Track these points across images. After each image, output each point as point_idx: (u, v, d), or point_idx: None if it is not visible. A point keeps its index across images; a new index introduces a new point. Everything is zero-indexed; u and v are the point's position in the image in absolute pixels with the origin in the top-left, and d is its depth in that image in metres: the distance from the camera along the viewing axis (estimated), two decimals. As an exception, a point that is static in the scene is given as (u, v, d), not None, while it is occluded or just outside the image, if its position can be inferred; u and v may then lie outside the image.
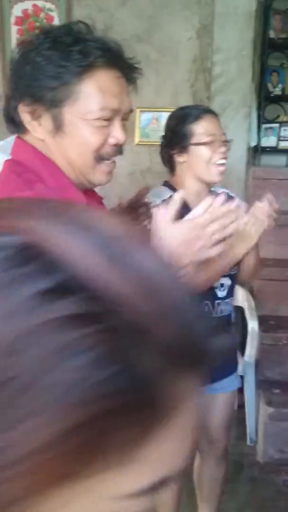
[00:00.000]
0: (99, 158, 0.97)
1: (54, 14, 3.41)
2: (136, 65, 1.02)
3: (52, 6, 3.36)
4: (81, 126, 0.93)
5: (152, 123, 3.66)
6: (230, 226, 0.93)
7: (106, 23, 3.56)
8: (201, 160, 1.55)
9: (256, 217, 1.54)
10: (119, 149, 1.00)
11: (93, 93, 0.92)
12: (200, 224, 0.92)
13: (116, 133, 0.97)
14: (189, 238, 0.91)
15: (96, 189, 1.19)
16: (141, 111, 3.67)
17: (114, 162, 1.01)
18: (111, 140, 0.96)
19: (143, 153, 3.66)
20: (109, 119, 0.95)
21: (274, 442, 2.60)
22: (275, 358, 2.85)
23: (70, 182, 0.96)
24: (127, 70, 0.99)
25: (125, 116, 1.00)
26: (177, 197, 0.95)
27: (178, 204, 0.95)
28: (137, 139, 3.70)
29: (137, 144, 3.71)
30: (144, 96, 3.65)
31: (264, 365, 2.85)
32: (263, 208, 1.54)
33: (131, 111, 1.01)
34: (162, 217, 0.94)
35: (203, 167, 1.55)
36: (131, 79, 1.01)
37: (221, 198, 0.96)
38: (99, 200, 1.13)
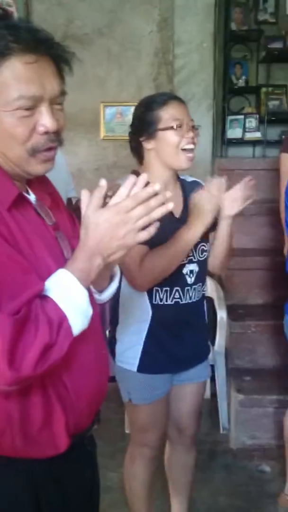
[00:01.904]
0: (32, 150, 0.92)
1: (13, 9, 3.37)
2: (58, 43, 0.94)
3: (10, 1, 3.32)
4: (3, 119, 0.89)
5: (116, 118, 3.65)
6: (157, 209, 0.88)
7: (66, 18, 3.54)
8: (169, 145, 1.55)
9: (211, 193, 1.53)
10: (53, 137, 0.94)
11: (7, 82, 0.88)
12: (123, 208, 0.87)
13: (44, 121, 0.91)
14: (113, 224, 0.87)
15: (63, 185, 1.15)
16: (105, 105, 3.66)
17: (52, 149, 0.95)
18: (40, 129, 0.91)
19: (109, 148, 3.66)
20: (31, 108, 0.89)
21: (246, 429, 2.63)
22: (244, 346, 2.89)
23: (2, 173, 0.93)
24: (51, 51, 0.92)
25: (56, 101, 0.93)
26: (102, 183, 0.89)
27: (104, 190, 0.89)
28: (102, 134, 3.69)
29: (103, 139, 3.70)
30: (108, 90, 3.64)
31: (234, 354, 2.89)
32: (218, 184, 1.54)
33: (63, 93, 0.95)
34: (88, 205, 0.89)
35: (171, 153, 1.55)
36: (58, 59, 0.93)
37: (144, 177, 0.90)
38: (50, 188, 1.10)
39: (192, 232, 1.53)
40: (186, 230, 1.53)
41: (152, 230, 0.90)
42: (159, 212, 0.88)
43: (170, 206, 0.88)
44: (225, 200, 1.59)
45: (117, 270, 1.21)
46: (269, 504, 2.18)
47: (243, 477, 2.38)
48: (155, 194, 0.88)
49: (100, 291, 1.17)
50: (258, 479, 2.37)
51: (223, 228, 1.66)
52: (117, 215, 0.87)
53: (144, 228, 0.89)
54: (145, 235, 0.89)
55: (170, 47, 3.50)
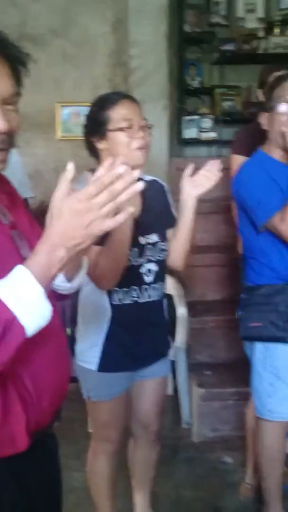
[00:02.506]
0: None
1: None
2: (12, 43, 0.93)
3: None
4: None
5: (73, 118, 3.65)
6: (123, 193, 0.81)
7: (20, 18, 3.52)
8: (120, 145, 1.56)
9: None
10: (5, 138, 0.92)
11: None
12: (86, 195, 0.80)
13: None
14: (76, 212, 0.81)
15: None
16: (61, 106, 3.65)
17: (3, 150, 0.93)
18: None
19: (66, 148, 3.65)
20: None
21: (207, 422, 2.69)
22: (204, 341, 2.95)
23: None
24: (5, 51, 0.91)
25: (8, 101, 0.92)
26: (70, 166, 0.85)
27: (71, 174, 0.84)
28: (59, 135, 3.68)
29: (60, 140, 3.69)
30: (64, 91, 3.65)
31: (194, 349, 2.95)
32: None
33: (17, 94, 0.94)
34: (55, 192, 0.85)
35: (123, 153, 1.55)
36: (12, 60, 0.92)
37: (107, 162, 0.85)
38: (7, 188, 1.10)
39: None
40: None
41: (121, 218, 0.83)
42: (126, 196, 0.82)
43: (138, 187, 0.83)
44: (187, 185, 1.64)
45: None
46: (231, 494, 2.24)
47: (206, 469, 2.44)
48: (120, 177, 0.82)
49: (69, 279, 1.15)
50: (220, 470, 2.43)
51: (187, 215, 1.69)
52: (79, 202, 0.81)
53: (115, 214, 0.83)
54: (111, 222, 0.83)
55: (125, 48, 3.53)
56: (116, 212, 0.83)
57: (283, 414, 1.85)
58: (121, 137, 1.56)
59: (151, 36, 3.43)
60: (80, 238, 0.83)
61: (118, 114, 1.56)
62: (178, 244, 1.73)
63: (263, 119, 1.80)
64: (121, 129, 1.55)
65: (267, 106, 1.78)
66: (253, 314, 1.81)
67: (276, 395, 1.83)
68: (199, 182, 1.65)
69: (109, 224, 0.83)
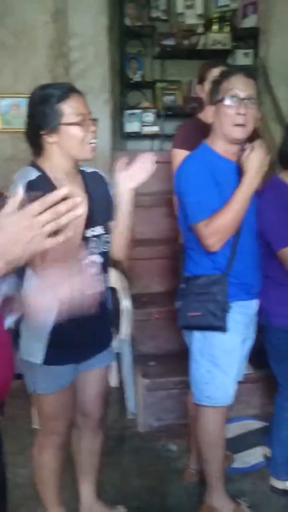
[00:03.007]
0: None
1: None
2: None
3: None
4: None
5: (12, 110, 3.57)
6: (66, 215, 0.86)
7: None
8: (74, 140, 1.55)
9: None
10: None
11: None
12: (30, 212, 0.85)
13: None
14: (19, 228, 0.86)
15: None
16: (0, 97, 3.56)
17: None
18: None
19: (6, 141, 3.56)
20: None
21: (152, 412, 2.74)
22: (148, 332, 2.99)
23: None
24: None
25: None
26: (20, 191, 0.89)
27: (19, 198, 0.88)
28: (-2, 126, 3.59)
29: (-1, 132, 3.61)
30: (2, 81, 3.55)
31: (139, 341, 2.98)
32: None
33: None
34: (1, 211, 0.88)
35: (75, 147, 1.56)
36: None
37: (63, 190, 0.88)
38: None
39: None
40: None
41: (61, 239, 0.88)
42: (68, 218, 0.87)
43: (79, 212, 0.87)
44: (121, 178, 1.66)
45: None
46: (176, 480, 2.30)
47: (151, 458, 2.48)
48: (66, 198, 0.87)
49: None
50: (165, 458, 2.48)
51: (124, 208, 1.70)
52: (24, 219, 0.86)
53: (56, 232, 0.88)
54: (53, 241, 0.88)
55: (65, 39, 3.48)
56: (56, 232, 0.87)
57: (220, 400, 1.92)
58: (76, 132, 1.55)
59: (92, 28, 3.41)
60: (19, 252, 0.87)
61: (71, 108, 1.54)
62: (118, 236, 1.74)
63: (209, 112, 1.84)
64: (77, 124, 1.54)
65: (214, 99, 1.81)
66: (191, 304, 1.85)
67: (213, 382, 1.89)
68: (134, 174, 1.67)
69: (49, 242, 0.87)
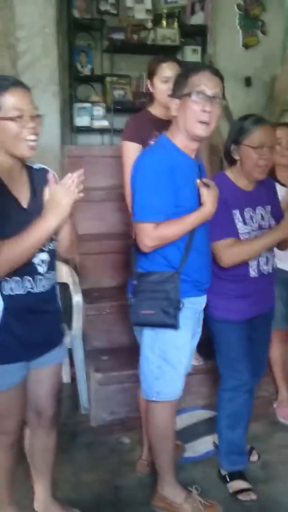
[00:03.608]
0: None
1: None
2: None
3: None
4: None
5: None
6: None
7: None
8: (9, 135, 1.50)
9: (67, 187, 1.52)
10: None
11: None
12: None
13: None
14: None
15: None
16: None
17: None
18: None
19: None
20: None
21: (105, 406, 2.74)
22: (101, 327, 2.99)
23: None
24: None
25: None
26: None
27: None
28: None
29: None
30: None
31: (91, 336, 2.98)
32: (73, 178, 1.54)
33: None
34: None
35: (11, 142, 1.51)
36: None
37: None
38: None
39: (47, 224, 1.52)
40: (41, 223, 1.52)
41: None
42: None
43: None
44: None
45: None
46: (129, 472, 2.32)
47: (104, 451, 2.49)
48: None
49: None
50: (118, 451, 2.50)
51: None
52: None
53: None
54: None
55: (11, 30, 3.40)
56: None
57: (169, 395, 1.94)
58: (11, 127, 1.50)
59: (39, 19, 3.34)
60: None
61: (9, 102, 1.49)
62: (63, 238, 1.71)
63: (173, 105, 1.80)
64: (11, 119, 1.49)
65: (179, 93, 1.77)
66: (144, 302, 1.83)
67: (163, 378, 1.91)
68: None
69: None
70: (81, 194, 1.55)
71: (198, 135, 1.78)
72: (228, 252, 1.99)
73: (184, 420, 2.72)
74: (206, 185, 1.81)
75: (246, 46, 4.63)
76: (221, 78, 1.80)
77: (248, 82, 4.57)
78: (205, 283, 1.94)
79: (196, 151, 1.88)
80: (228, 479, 2.22)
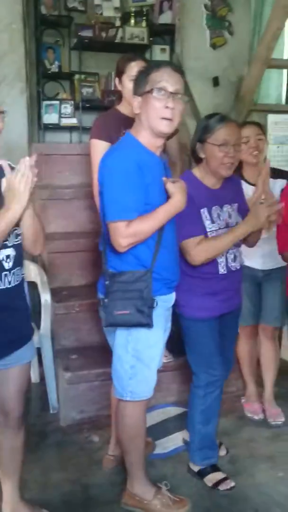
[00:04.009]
0: None
1: None
2: None
3: None
4: None
5: None
6: None
7: None
8: None
9: (22, 173, 1.51)
10: None
11: None
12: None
13: None
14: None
15: None
16: None
17: None
18: None
19: None
20: None
21: (74, 405, 2.73)
22: (70, 326, 2.98)
23: None
24: None
25: None
26: None
27: None
28: None
29: None
30: None
31: (60, 335, 2.96)
32: (25, 162, 1.52)
33: None
34: None
35: None
36: None
37: None
38: None
39: (11, 213, 1.53)
40: (5, 213, 1.53)
41: None
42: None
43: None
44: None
45: None
46: (99, 470, 2.32)
47: (74, 450, 2.48)
48: None
49: None
50: (88, 450, 2.49)
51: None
52: None
53: None
54: None
55: (-23, 25, 3.35)
56: None
57: (143, 393, 1.95)
58: None
59: (6, 15, 3.29)
60: None
61: None
62: (26, 230, 1.70)
63: (135, 102, 1.80)
64: None
65: (141, 90, 1.77)
66: (118, 302, 1.82)
67: (137, 377, 1.91)
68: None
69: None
70: (35, 179, 1.55)
71: (161, 131, 1.78)
72: (198, 250, 2.00)
73: (154, 417, 2.74)
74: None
75: (213, 46, 4.67)
76: (182, 74, 1.81)
77: (215, 81, 4.61)
78: (174, 280, 1.95)
79: (161, 149, 1.88)
80: (202, 474, 2.25)
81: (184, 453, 2.40)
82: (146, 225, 1.75)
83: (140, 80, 1.79)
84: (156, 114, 1.75)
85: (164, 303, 1.92)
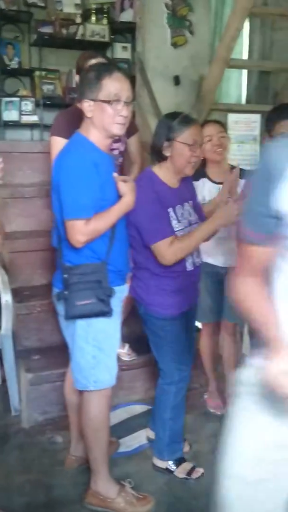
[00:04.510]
0: None
1: None
2: None
3: None
4: None
5: None
6: None
7: None
8: None
9: None
10: None
11: None
12: None
13: None
14: None
15: None
16: None
17: None
18: None
19: None
20: None
21: (37, 406, 2.70)
22: (32, 326, 2.94)
23: None
24: None
25: None
26: None
27: None
28: None
29: None
30: None
31: (21, 335, 2.91)
32: None
33: None
34: None
35: None
36: None
37: None
38: None
39: None
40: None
41: None
42: None
43: None
44: None
45: None
46: (62, 471, 2.30)
47: (37, 452, 2.45)
48: None
49: None
50: (51, 451, 2.47)
51: None
52: None
53: None
54: None
55: None
56: None
57: (106, 382, 1.99)
58: None
59: None
60: None
61: None
62: None
63: (87, 106, 1.82)
64: None
65: (93, 95, 1.80)
66: (79, 293, 1.86)
67: (99, 366, 1.95)
68: None
69: None
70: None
71: (115, 134, 1.88)
72: (172, 250, 2.02)
73: (118, 415, 2.74)
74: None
75: (174, 45, 4.70)
76: (129, 79, 1.89)
77: (177, 80, 4.65)
78: (125, 271, 2.02)
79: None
80: (171, 468, 2.28)
81: (148, 451, 2.41)
82: (102, 223, 1.83)
83: (91, 83, 1.82)
84: (111, 120, 1.82)
85: (120, 294, 1.98)
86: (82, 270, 1.87)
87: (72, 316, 1.91)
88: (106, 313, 1.89)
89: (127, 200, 1.88)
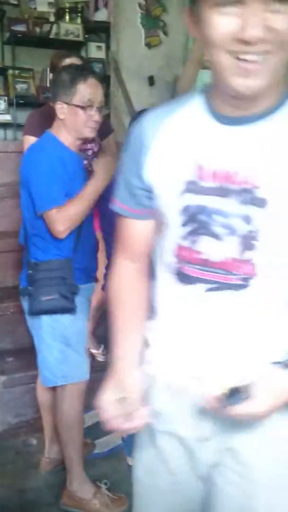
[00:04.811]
0: None
1: None
2: None
3: None
4: None
5: None
6: None
7: None
8: None
9: None
10: None
11: None
12: None
13: None
14: None
15: None
16: None
17: None
18: None
19: None
20: None
21: (10, 409, 2.66)
22: (5, 328, 2.90)
23: None
24: None
25: None
26: None
27: None
28: None
29: None
30: None
31: (-6, 337, 2.88)
32: None
33: None
34: None
35: None
36: None
37: None
38: None
39: None
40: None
41: None
42: None
43: None
44: None
45: None
46: (36, 474, 2.28)
47: (10, 455, 2.43)
48: None
49: None
50: (24, 453, 2.44)
51: None
52: None
53: None
54: None
55: None
56: None
57: (75, 376, 1.99)
58: None
59: None
60: None
61: None
62: None
63: (60, 108, 1.85)
64: None
65: (66, 98, 1.83)
66: (43, 289, 1.88)
67: (68, 362, 1.96)
68: None
69: None
70: None
71: (87, 137, 1.92)
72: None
73: (92, 417, 2.70)
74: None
75: (148, 45, 4.70)
76: (102, 83, 1.93)
77: (151, 81, 4.65)
78: (93, 270, 2.05)
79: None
80: None
81: (123, 451, 2.40)
82: (78, 206, 1.85)
83: (65, 86, 1.83)
84: (83, 124, 1.85)
85: (86, 291, 1.99)
86: (47, 266, 1.89)
87: (35, 312, 1.92)
88: (70, 309, 1.90)
89: (99, 175, 1.90)
